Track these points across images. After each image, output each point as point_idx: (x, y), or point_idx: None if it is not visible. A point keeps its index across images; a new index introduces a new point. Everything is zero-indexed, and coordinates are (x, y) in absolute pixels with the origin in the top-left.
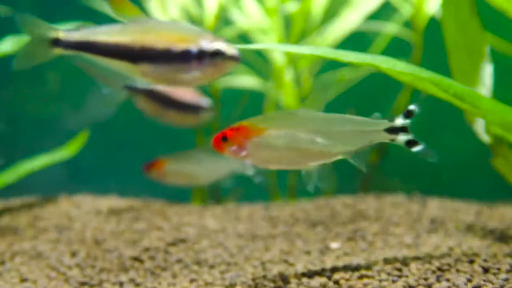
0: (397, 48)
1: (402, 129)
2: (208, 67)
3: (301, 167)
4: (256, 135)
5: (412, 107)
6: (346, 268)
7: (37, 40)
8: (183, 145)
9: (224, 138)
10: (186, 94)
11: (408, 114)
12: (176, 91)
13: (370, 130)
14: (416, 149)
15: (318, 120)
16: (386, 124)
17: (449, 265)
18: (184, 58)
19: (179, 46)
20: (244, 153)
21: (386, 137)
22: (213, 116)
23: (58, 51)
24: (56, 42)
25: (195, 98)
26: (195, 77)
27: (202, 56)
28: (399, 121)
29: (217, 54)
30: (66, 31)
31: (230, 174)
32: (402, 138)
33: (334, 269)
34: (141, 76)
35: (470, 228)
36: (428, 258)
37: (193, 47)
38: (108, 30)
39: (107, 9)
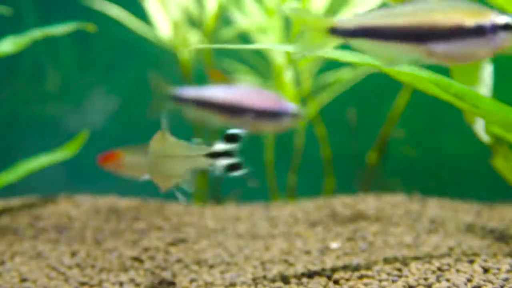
0: None
1: (224, 154)
2: (498, 42)
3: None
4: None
5: (233, 131)
6: (346, 268)
7: (313, 30)
8: None
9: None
10: (261, 99)
11: (229, 139)
12: (247, 98)
13: (192, 155)
14: (237, 173)
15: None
16: (206, 149)
17: (449, 265)
18: (477, 33)
19: (472, 21)
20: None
21: (206, 163)
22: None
23: (336, 39)
24: (334, 31)
25: (274, 103)
26: (485, 53)
27: (495, 30)
28: (219, 146)
29: (508, 28)
30: (341, 20)
31: (192, 170)
32: (222, 162)
33: (334, 269)
34: (427, 57)
35: (470, 228)
36: (428, 258)
37: (486, 22)
38: (383, 14)
39: (107, 9)
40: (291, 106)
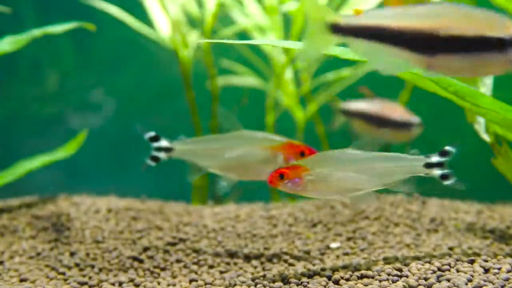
0: None
1: (438, 165)
2: None
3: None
4: (307, 173)
5: (448, 148)
6: (346, 268)
7: (315, 25)
8: None
9: (281, 176)
10: (396, 112)
11: (443, 153)
12: (386, 109)
13: (409, 165)
14: (448, 182)
15: (362, 160)
16: (423, 159)
17: (449, 265)
18: (495, 47)
19: (491, 33)
20: (299, 188)
21: (423, 171)
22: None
23: (336, 38)
24: (336, 28)
25: (405, 115)
26: (499, 68)
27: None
28: (435, 158)
29: None
30: (346, 16)
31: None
32: (437, 172)
33: (334, 269)
34: (431, 69)
35: (470, 228)
36: (428, 258)
37: (506, 35)
38: (395, 14)
39: (107, 9)
40: (417, 117)
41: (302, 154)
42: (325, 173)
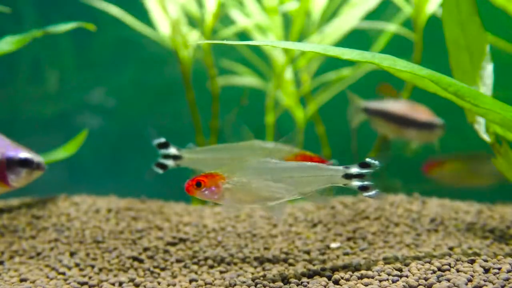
0: (397, 47)
1: (357, 176)
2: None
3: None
4: (224, 181)
5: (368, 160)
6: (346, 268)
7: None
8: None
9: (198, 184)
10: (419, 112)
11: (363, 165)
12: (409, 110)
13: (328, 175)
14: (368, 194)
15: (280, 169)
16: (342, 170)
17: (449, 265)
18: None
19: None
20: (216, 196)
21: (341, 182)
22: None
23: None
24: None
25: (429, 116)
26: None
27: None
28: (354, 169)
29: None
30: None
31: None
32: (356, 184)
33: (334, 269)
34: None
35: (470, 228)
36: (428, 258)
37: None
38: None
39: (107, 8)
40: (440, 119)
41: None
42: (242, 181)
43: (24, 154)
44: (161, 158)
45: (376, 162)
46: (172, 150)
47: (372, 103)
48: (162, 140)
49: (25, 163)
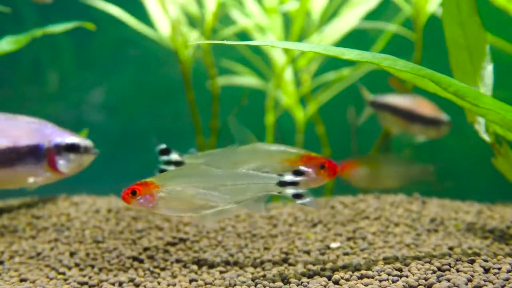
0: (397, 47)
1: (291, 183)
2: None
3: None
4: (158, 190)
5: (302, 168)
6: (346, 268)
7: None
8: (182, 146)
9: (133, 192)
10: (427, 108)
11: (297, 173)
12: (417, 105)
13: (262, 183)
14: (301, 201)
15: (214, 177)
16: (276, 178)
17: (449, 265)
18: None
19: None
20: (150, 205)
21: (276, 190)
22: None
23: None
24: None
25: (436, 112)
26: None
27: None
28: (288, 177)
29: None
30: None
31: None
32: (290, 191)
33: (334, 269)
34: None
35: (470, 228)
36: (428, 258)
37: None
38: None
39: (107, 8)
40: (446, 115)
41: (322, 167)
42: (176, 190)
43: (71, 138)
44: (162, 164)
45: (310, 170)
46: (174, 156)
47: (379, 97)
48: (163, 146)
49: (73, 148)
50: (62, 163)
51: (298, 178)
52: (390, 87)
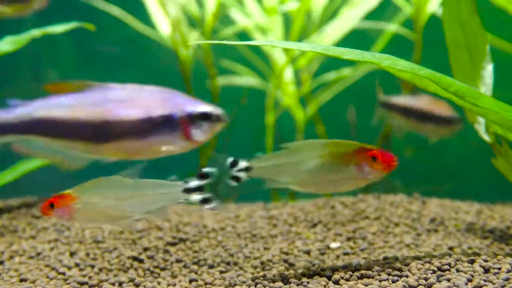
0: (397, 47)
1: (197, 189)
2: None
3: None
4: (74, 202)
5: (207, 169)
6: (346, 268)
7: None
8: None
9: (51, 205)
10: (438, 107)
11: (203, 176)
12: (428, 104)
13: (168, 191)
14: (209, 206)
15: (125, 187)
16: (181, 185)
17: (449, 265)
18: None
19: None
20: (68, 217)
21: (182, 197)
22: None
23: None
24: None
25: (447, 111)
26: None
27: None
28: (194, 183)
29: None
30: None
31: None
32: (197, 197)
33: (334, 269)
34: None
35: (470, 228)
36: (428, 258)
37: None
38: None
39: (107, 8)
40: (457, 114)
41: (374, 159)
42: (92, 201)
43: (203, 107)
44: (235, 172)
45: (214, 170)
46: (243, 164)
47: (390, 98)
48: (231, 159)
49: (205, 117)
50: (195, 132)
51: (203, 182)
52: (391, 88)
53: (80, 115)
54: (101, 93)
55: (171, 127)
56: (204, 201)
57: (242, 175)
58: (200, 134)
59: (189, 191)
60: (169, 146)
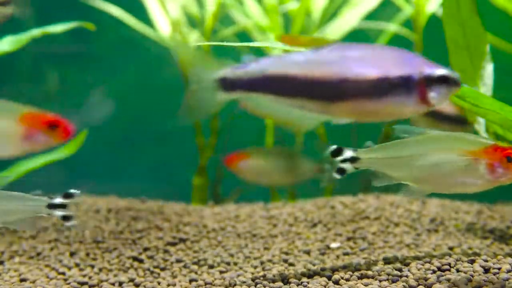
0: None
1: (60, 206)
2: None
3: None
4: None
5: (72, 191)
6: (346, 268)
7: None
8: (182, 147)
9: None
10: (451, 106)
11: (67, 196)
12: (444, 105)
13: (32, 205)
14: (70, 224)
15: None
16: (46, 200)
17: (449, 265)
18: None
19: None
20: None
21: (46, 212)
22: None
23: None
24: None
25: (458, 111)
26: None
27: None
28: (58, 200)
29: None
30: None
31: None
32: (58, 213)
33: (334, 269)
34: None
35: (470, 228)
36: (428, 258)
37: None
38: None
39: (107, 8)
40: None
41: (510, 159)
42: None
43: (441, 70)
44: (339, 163)
45: (78, 192)
46: (348, 153)
47: None
48: (334, 147)
49: (443, 80)
50: (433, 95)
51: (67, 201)
52: None
53: (315, 73)
54: (337, 51)
55: (408, 88)
56: (65, 218)
57: (348, 166)
58: (438, 98)
59: (52, 207)
60: (403, 108)
